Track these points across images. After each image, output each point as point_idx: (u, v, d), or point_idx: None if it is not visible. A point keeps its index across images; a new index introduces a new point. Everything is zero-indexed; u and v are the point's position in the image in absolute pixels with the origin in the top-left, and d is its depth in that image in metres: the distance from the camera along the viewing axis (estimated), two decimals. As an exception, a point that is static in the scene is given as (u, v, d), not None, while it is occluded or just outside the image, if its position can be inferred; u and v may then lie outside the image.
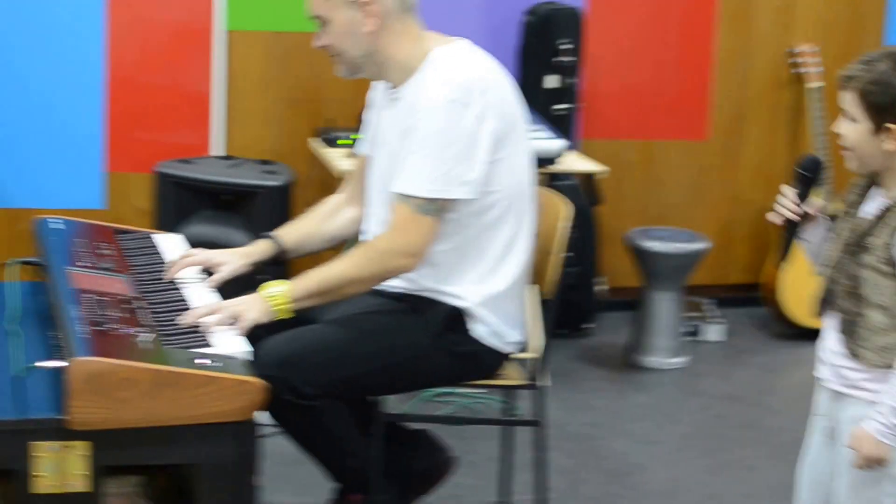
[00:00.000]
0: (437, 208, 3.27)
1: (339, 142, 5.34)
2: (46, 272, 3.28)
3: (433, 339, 3.37)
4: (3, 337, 3.07)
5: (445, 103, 3.24)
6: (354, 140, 3.90)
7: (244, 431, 2.81)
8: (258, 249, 3.53)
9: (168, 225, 4.78)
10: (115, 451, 2.75)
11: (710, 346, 5.89)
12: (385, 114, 3.46)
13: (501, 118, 3.31)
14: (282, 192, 5.07)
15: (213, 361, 2.84)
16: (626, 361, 5.64)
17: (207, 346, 2.96)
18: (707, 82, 6.23)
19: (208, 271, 3.44)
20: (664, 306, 5.59)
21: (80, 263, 3.29)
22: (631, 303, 5.79)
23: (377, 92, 3.54)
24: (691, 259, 5.60)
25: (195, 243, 3.69)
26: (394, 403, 3.60)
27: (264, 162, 5.31)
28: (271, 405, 3.00)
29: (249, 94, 5.70)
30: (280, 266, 3.60)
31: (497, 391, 4.23)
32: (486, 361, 3.46)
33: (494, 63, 3.40)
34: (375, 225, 3.44)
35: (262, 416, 2.90)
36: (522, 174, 3.41)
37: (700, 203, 6.32)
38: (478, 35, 3.80)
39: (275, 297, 3.23)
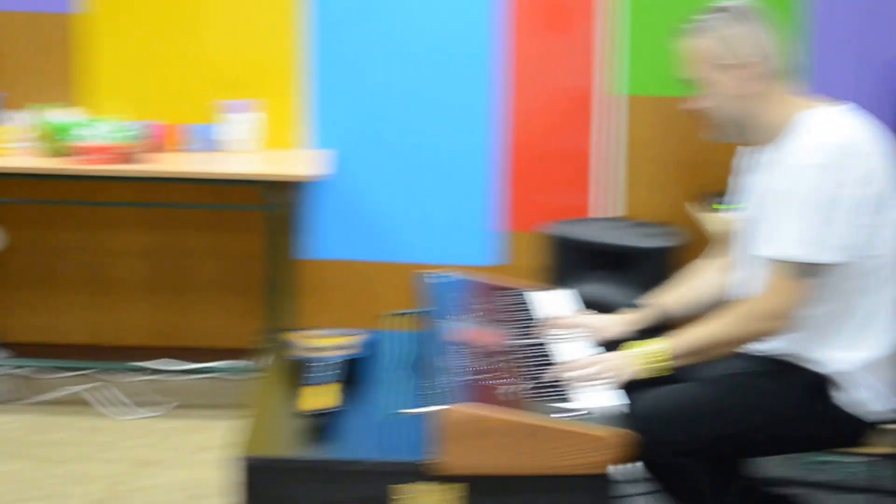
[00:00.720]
0: (807, 272, 3.26)
1: (714, 206, 5.35)
2: (427, 322, 3.46)
3: (796, 405, 3.35)
4: (379, 384, 3.26)
5: (815, 167, 3.23)
6: (728, 205, 3.94)
7: (600, 485, 2.89)
8: (643, 317, 3.61)
9: (558, 282, 4.92)
10: (476, 496, 2.86)
11: None
12: (753, 178, 3.48)
13: (878, 182, 3.27)
14: (666, 254, 5.14)
15: (576, 415, 2.93)
16: None
17: (574, 399, 3.05)
18: None
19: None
20: None
21: (458, 316, 3.45)
22: None
23: (744, 157, 3.56)
24: None
25: (583, 302, 3.81)
26: (760, 466, 3.58)
27: (651, 224, 5.39)
28: (639, 460, 3.06)
29: (642, 158, 5.79)
30: (659, 331, 3.66)
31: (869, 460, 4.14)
32: (849, 430, 3.40)
33: (871, 127, 3.36)
34: (751, 288, 3.45)
35: (620, 473, 2.97)
36: (901, 239, 3.37)
37: None
38: (874, 99, 3.75)
39: (656, 354, 3.30)
